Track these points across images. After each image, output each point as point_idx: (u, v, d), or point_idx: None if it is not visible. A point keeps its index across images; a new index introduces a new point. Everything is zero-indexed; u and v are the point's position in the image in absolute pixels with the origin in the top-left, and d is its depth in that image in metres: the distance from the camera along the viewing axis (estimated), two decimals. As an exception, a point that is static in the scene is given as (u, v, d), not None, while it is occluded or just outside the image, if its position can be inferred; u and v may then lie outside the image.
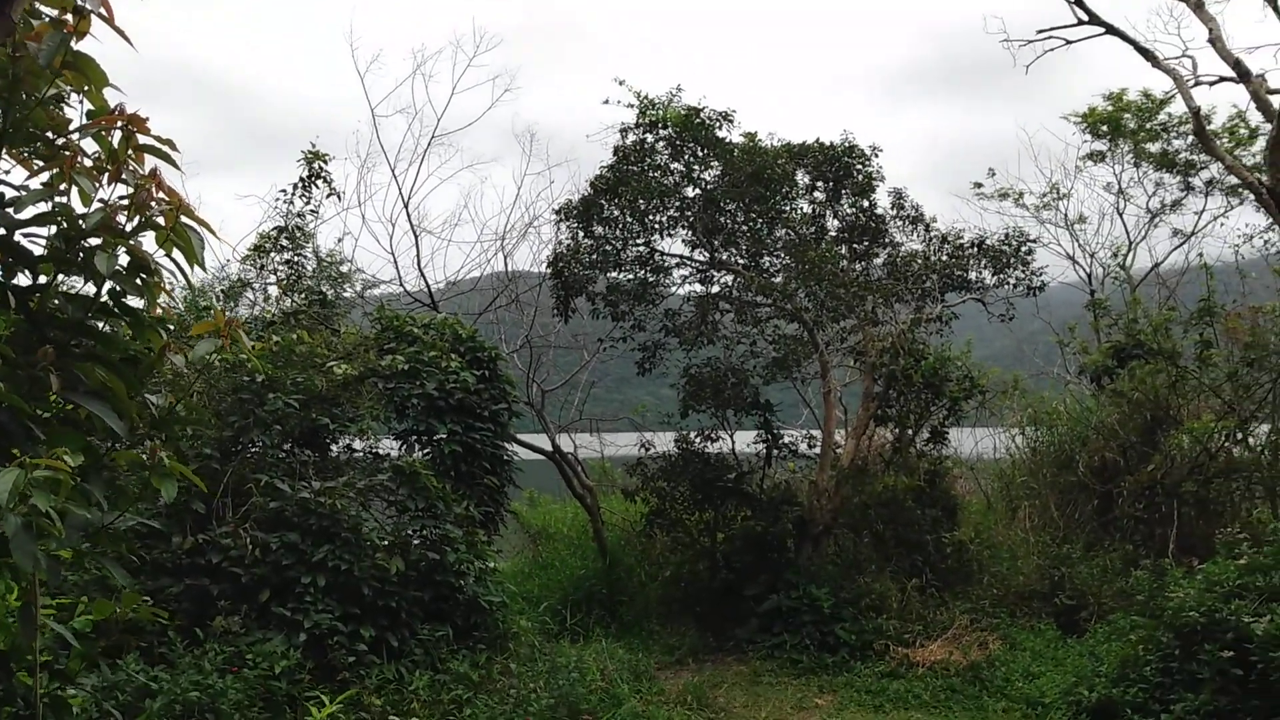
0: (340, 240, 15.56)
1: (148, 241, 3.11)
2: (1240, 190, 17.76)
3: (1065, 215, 20.64)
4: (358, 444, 10.07)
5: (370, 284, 14.42)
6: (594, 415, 15.27)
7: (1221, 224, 18.25)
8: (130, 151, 3.03)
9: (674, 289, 13.26)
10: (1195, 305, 12.92)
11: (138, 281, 3.13)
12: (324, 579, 8.19)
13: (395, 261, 13.97)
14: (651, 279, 12.62)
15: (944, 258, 13.83)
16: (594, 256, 12.42)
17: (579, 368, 15.63)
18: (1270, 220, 11.86)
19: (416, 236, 13.72)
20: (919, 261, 13.56)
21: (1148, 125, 18.21)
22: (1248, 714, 7.53)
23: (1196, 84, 13.45)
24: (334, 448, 10.09)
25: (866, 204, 13.47)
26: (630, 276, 12.66)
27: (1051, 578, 12.07)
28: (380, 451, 10.19)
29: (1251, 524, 10.47)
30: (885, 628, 11.30)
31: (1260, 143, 15.68)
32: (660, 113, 12.62)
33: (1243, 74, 12.47)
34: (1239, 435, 12.62)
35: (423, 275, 13.72)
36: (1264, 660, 7.51)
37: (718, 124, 12.71)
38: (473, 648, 8.75)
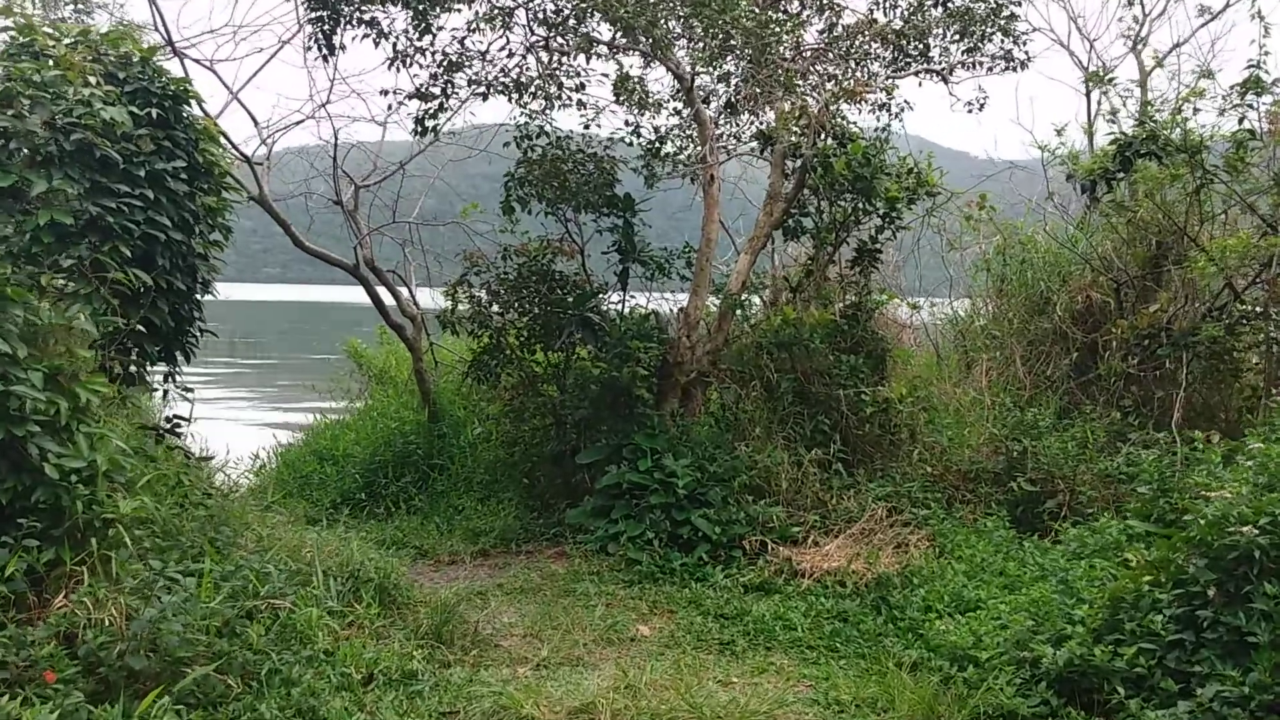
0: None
1: None
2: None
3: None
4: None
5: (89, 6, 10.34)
6: (410, 219, 11.39)
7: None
8: None
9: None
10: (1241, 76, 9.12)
11: None
12: None
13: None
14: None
15: (897, 21, 10.05)
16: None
17: (409, 157, 11.68)
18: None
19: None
20: (866, 33, 9.83)
21: None
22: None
23: None
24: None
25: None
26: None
27: (1009, 453, 8.59)
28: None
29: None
30: (766, 518, 7.87)
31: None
32: None
33: None
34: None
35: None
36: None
37: None
38: (23, 542, 5.12)
